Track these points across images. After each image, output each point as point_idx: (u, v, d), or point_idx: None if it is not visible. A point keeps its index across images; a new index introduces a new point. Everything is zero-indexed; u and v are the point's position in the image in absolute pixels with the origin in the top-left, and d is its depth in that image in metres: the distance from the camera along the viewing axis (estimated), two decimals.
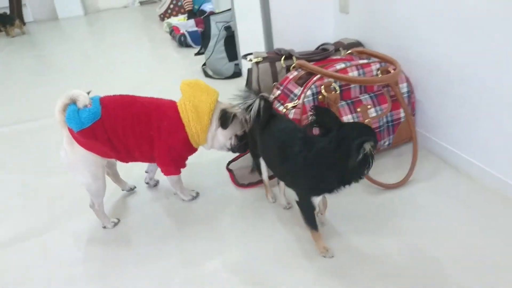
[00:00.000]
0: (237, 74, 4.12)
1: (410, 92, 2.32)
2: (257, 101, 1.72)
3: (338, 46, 2.66)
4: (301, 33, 3.14)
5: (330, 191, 1.60)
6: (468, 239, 1.71)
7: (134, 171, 2.49)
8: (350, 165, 1.42)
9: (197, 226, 2.05)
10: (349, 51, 2.49)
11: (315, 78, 2.16)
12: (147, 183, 2.43)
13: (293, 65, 2.41)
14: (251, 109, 1.73)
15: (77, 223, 2.16)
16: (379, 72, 2.21)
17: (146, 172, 2.39)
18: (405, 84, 2.29)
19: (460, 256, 1.63)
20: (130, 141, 1.91)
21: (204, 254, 1.85)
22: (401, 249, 1.72)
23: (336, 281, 1.61)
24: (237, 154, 2.33)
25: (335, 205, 1.95)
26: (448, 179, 2.14)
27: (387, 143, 2.36)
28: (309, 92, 2.13)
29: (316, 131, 1.59)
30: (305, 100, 2.13)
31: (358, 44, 2.72)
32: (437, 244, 1.72)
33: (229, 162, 2.47)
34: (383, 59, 2.24)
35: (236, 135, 2.00)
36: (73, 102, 1.78)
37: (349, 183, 1.55)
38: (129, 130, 1.89)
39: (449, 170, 2.21)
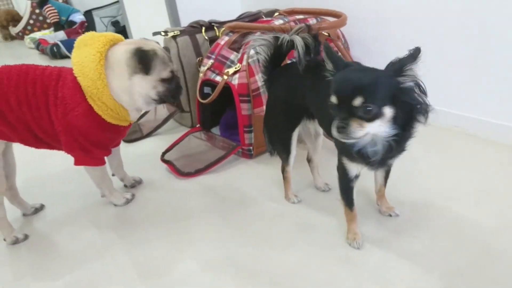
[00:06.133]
0: None
1: (347, 49, 2.20)
2: (297, 37, 1.31)
3: (260, 14, 2.44)
4: (208, 14, 2.85)
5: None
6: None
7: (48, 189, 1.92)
8: None
9: (145, 229, 1.58)
10: (276, 13, 2.29)
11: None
12: (125, 185, 1.89)
13: (222, 30, 2.10)
14: (292, 46, 1.33)
15: None
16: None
17: (113, 175, 1.84)
18: (342, 41, 2.17)
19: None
20: (27, 115, 1.45)
21: (168, 259, 1.41)
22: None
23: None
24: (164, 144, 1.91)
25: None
26: None
27: None
28: (252, 52, 1.85)
29: None
30: (249, 60, 1.84)
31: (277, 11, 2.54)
32: None
33: (163, 153, 2.03)
34: (319, 14, 2.08)
35: (162, 80, 1.49)
36: None
37: None
38: (24, 102, 1.44)
39: None
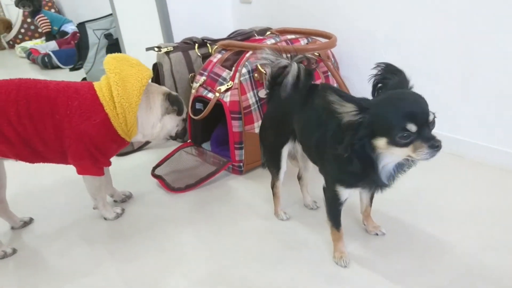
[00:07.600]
0: None
1: (337, 69, 2.26)
2: (295, 65, 1.34)
3: (252, 33, 2.49)
4: (201, 30, 2.90)
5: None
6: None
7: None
8: None
9: (135, 244, 1.59)
10: (268, 32, 2.34)
11: (247, 55, 1.93)
12: (115, 201, 1.90)
13: (215, 47, 2.14)
14: (286, 73, 1.35)
15: None
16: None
17: None
18: (332, 61, 2.22)
19: None
20: (28, 128, 1.48)
21: (158, 275, 1.42)
22: None
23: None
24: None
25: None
26: None
27: None
28: (244, 70, 1.89)
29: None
30: (241, 79, 1.88)
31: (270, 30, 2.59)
32: None
33: (154, 168, 2.05)
34: (310, 34, 2.14)
35: (183, 120, 1.78)
36: None
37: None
38: (25, 115, 1.47)
39: None
